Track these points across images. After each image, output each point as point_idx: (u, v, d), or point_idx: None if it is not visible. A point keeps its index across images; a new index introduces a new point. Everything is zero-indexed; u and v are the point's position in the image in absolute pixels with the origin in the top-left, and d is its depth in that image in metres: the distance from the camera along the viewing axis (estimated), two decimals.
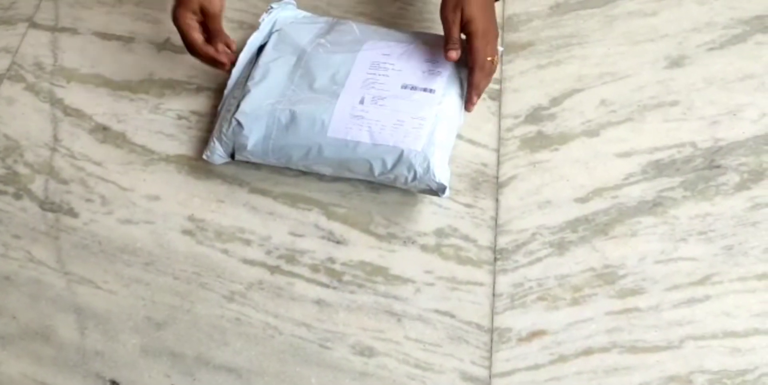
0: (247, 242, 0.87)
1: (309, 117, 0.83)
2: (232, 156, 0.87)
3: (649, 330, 0.79)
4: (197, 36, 0.86)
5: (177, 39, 1.00)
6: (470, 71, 0.84)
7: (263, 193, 0.89)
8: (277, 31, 0.92)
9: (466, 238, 0.85)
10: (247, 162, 0.90)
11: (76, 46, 1.02)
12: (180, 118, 0.95)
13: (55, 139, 0.94)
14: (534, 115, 0.92)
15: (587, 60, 0.96)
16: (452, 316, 0.82)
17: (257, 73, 0.88)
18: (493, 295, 0.83)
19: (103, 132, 0.95)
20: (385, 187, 0.88)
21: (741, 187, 0.86)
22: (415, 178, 0.81)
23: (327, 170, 0.86)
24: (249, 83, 0.87)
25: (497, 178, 0.89)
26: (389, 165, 0.81)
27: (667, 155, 0.89)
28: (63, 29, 1.03)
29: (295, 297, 0.84)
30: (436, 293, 0.83)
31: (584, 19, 0.99)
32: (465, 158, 0.90)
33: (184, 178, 0.91)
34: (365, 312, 0.82)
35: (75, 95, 0.98)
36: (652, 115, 0.91)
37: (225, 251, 0.86)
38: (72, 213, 0.89)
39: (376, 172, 0.82)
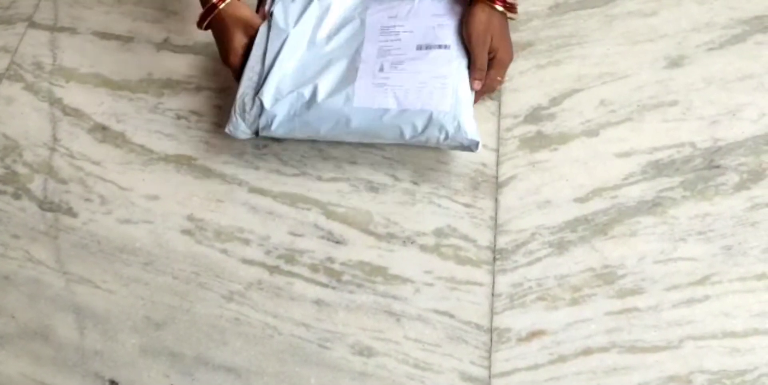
0: (246, 242, 0.86)
1: (333, 90, 0.83)
2: (257, 133, 0.86)
3: (648, 330, 0.79)
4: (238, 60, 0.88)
5: (176, 38, 1.01)
6: (476, 92, 0.86)
7: (262, 192, 0.89)
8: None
9: (465, 238, 0.85)
10: (246, 161, 0.90)
11: (75, 46, 1.02)
12: (179, 117, 0.95)
13: (54, 138, 0.94)
14: (533, 115, 0.92)
15: (587, 60, 0.95)
16: (451, 316, 0.82)
17: (275, 48, 0.87)
18: (493, 295, 0.82)
19: (102, 132, 0.95)
20: (384, 187, 0.88)
21: (740, 187, 0.86)
22: (447, 137, 0.81)
23: (355, 139, 0.86)
24: (268, 58, 0.86)
25: (497, 178, 0.89)
26: (420, 128, 0.81)
27: (666, 155, 0.88)
28: (62, 29, 1.03)
29: (295, 297, 0.83)
30: (436, 292, 0.83)
31: (584, 19, 0.99)
32: (464, 158, 0.90)
33: (183, 178, 0.91)
34: (364, 312, 0.82)
35: (74, 95, 0.98)
36: (652, 115, 0.91)
37: (224, 251, 0.86)
38: (71, 213, 0.89)
39: (407, 136, 0.82)
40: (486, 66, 0.85)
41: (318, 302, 0.83)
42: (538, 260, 0.84)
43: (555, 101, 0.93)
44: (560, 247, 0.84)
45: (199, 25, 0.87)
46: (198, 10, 0.87)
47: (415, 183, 0.89)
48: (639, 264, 0.82)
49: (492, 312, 0.82)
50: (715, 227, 0.84)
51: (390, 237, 0.86)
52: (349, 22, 0.88)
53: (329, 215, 0.88)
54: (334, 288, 0.84)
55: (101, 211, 0.89)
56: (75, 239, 0.88)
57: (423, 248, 0.85)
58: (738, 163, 0.87)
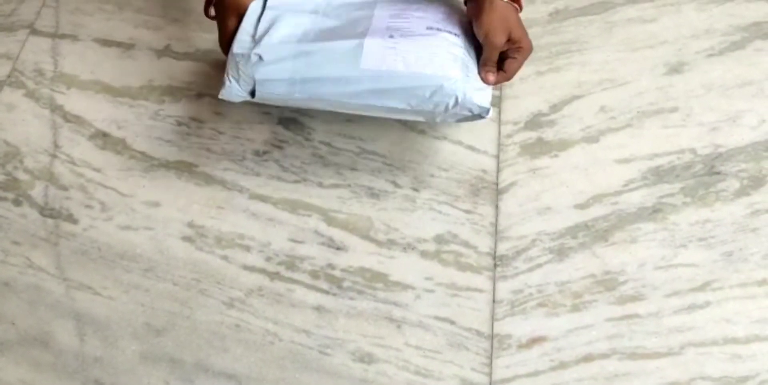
0: (247, 248, 0.86)
1: (338, 50, 0.79)
2: (252, 93, 0.81)
3: (649, 336, 0.79)
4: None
5: (177, 46, 1.01)
6: (498, 78, 0.83)
7: (263, 199, 0.89)
8: None
9: (466, 244, 0.85)
10: (247, 168, 0.90)
11: (76, 53, 1.02)
12: (180, 124, 0.95)
13: (55, 145, 0.95)
14: (534, 122, 0.92)
15: (587, 66, 0.96)
16: (452, 322, 0.82)
17: (271, 17, 0.84)
18: (493, 301, 0.82)
19: (102, 138, 0.95)
20: (384, 194, 0.88)
21: (741, 193, 0.86)
22: (456, 103, 0.77)
23: (357, 107, 0.81)
24: (263, 22, 0.83)
25: (497, 184, 0.89)
26: (428, 94, 0.77)
27: (666, 161, 0.89)
28: (63, 36, 1.04)
29: (295, 303, 0.83)
30: (436, 299, 0.83)
31: (584, 26, 0.99)
32: (465, 165, 0.90)
33: (184, 185, 0.91)
34: (365, 318, 0.82)
35: (75, 102, 0.98)
36: (652, 122, 0.91)
37: (225, 258, 0.86)
38: (71, 219, 0.89)
39: (414, 102, 0.78)
40: (496, 61, 0.82)
41: (318, 309, 0.83)
42: (539, 266, 0.84)
43: (555, 108, 0.93)
44: (561, 253, 0.84)
45: (206, 10, 0.87)
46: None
47: (415, 189, 0.89)
48: (639, 270, 0.82)
49: (493, 318, 0.81)
50: (716, 233, 0.84)
51: (390, 243, 0.86)
52: (356, 10, 0.85)
53: (330, 221, 0.88)
54: (334, 295, 0.84)
55: (102, 217, 0.89)
56: (75, 245, 0.88)
57: (423, 254, 0.85)
58: (738, 170, 0.87)
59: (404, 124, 0.93)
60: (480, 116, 0.79)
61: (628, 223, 0.85)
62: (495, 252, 0.85)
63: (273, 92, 0.80)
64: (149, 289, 0.85)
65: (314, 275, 0.85)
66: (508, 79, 0.84)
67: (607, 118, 0.92)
